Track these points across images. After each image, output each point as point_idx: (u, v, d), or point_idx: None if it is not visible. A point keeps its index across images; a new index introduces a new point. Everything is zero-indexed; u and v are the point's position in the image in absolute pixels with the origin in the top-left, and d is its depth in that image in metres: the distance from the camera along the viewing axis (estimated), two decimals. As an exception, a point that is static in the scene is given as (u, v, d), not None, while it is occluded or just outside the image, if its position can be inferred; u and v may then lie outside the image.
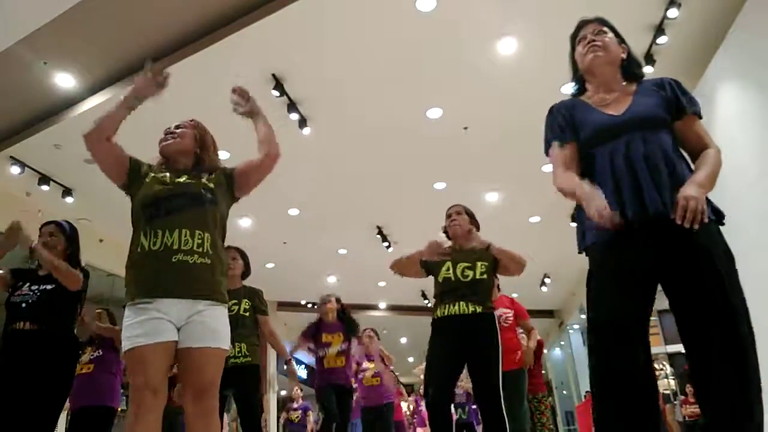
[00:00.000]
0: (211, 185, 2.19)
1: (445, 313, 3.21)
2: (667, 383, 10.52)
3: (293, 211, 8.37)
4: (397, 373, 6.59)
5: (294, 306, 12.88)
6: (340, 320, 4.87)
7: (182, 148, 2.31)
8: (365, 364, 5.29)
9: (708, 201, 1.73)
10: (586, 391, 11.28)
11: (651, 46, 5.21)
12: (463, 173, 7.24)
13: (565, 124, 1.94)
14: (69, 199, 7.03)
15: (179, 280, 1.97)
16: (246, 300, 3.75)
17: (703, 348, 1.64)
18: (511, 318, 4.34)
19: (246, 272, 3.99)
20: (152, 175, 2.22)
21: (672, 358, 11.28)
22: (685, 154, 1.85)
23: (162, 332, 1.92)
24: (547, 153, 2.00)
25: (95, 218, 7.38)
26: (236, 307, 3.71)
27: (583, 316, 11.85)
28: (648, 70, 5.40)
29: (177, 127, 2.39)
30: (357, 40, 5.07)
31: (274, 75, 5.36)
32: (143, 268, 2.01)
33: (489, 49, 5.14)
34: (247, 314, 3.71)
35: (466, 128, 6.30)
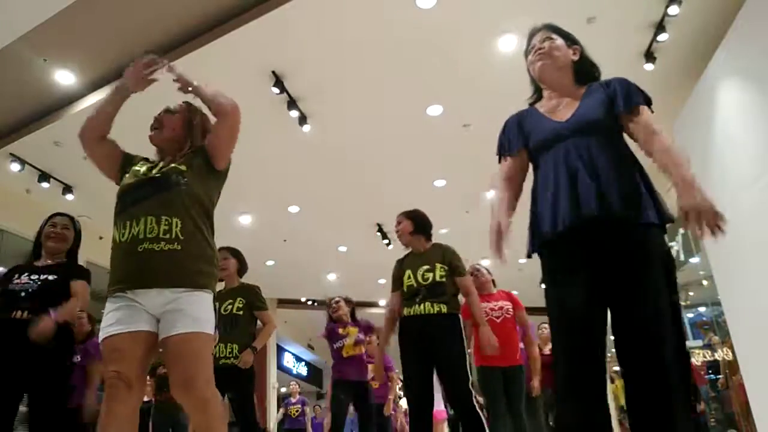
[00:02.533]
0: (182, 167, 2.08)
1: (411, 313, 3.30)
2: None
3: (293, 209, 8.37)
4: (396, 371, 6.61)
5: (294, 303, 12.89)
6: (354, 318, 4.88)
7: (167, 136, 2.26)
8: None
9: (656, 202, 1.73)
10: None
11: (652, 43, 5.20)
12: (463, 171, 7.24)
13: (511, 137, 1.98)
14: (69, 196, 7.03)
15: (147, 270, 1.88)
16: (240, 298, 3.72)
17: (629, 357, 1.64)
18: (512, 310, 4.32)
19: (242, 269, 3.95)
20: (133, 169, 2.18)
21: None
22: (640, 152, 1.83)
23: (135, 321, 1.86)
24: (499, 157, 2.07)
25: (95, 215, 7.36)
26: (230, 307, 3.70)
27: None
28: (649, 67, 5.40)
29: (167, 111, 2.34)
30: (357, 37, 5.06)
31: (273, 72, 5.35)
32: (115, 261, 1.97)
33: (489, 46, 5.13)
34: (241, 313, 3.68)
35: (466, 125, 6.29)
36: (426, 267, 3.36)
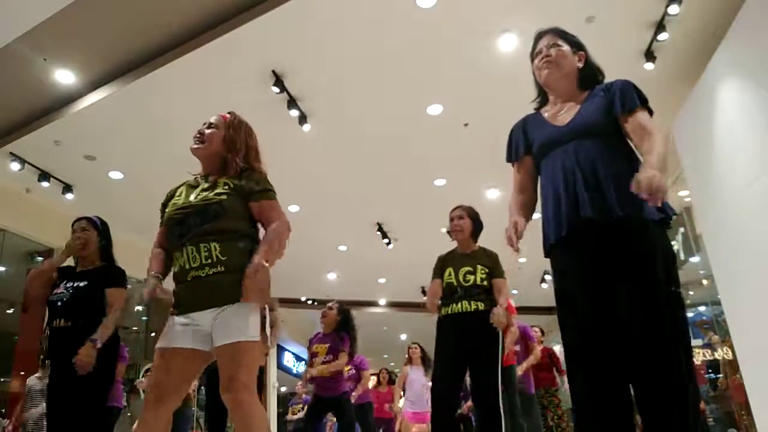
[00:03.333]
0: (223, 196, 2.15)
1: (448, 312, 3.32)
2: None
3: (293, 208, 8.37)
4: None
5: (294, 302, 12.88)
6: (335, 334, 4.79)
7: (206, 152, 2.28)
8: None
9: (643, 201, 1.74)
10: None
11: (652, 42, 5.20)
12: (463, 170, 7.24)
13: (517, 143, 2.04)
14: (69, 196, 7.02)
15: (200, 295, 2.05)
16: None
17: (636, 354, 1.64)
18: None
19: None
20: (172, 201, 2.26)
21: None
22: (638, 154, 1.85)
23: (181, 339, 2.03)
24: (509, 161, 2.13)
25: (96, 214, 7.37)
26: None
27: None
28: (649, 66, 5.40)
29: (209, 126, 2.32)
30: (357, 36, 5.06)
31: (274, 71, 5.35)
32: (175, 289, 2.13)
33: (489, 45, 5.13)
34: None
35: (466, 124, 6.29)
36: (468, 269, 3.38)
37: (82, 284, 3.05)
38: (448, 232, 3.61)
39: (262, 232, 2.27)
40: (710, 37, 5.02)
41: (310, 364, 4.73)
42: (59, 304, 3.00)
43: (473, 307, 3.27)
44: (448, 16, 4.81)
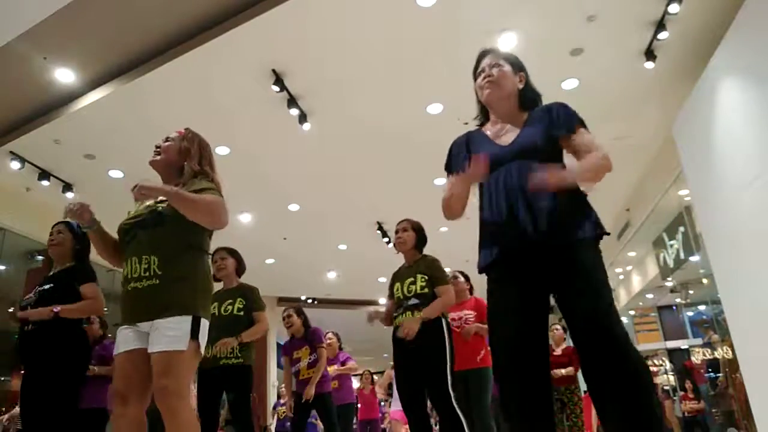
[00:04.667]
0: (163, 203, 2.22)
1: (396, 324, 3.47)
2: (666, 379, 10.54)
3: (293, 207, 8.37)
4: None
5: (294, 301, 12.89)
6: (305, 334, 4.91)
7: (164, 163, 2.41)
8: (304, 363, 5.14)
9: (588, 215, 1.83)
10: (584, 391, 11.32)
11: (652, 41, 5.19)
12: (463, 169, 7.24)
13: (459, 156, 2.08)
14: (69, 194, 7.02)
15: (136, 307, 2.14)
16: (240, 299, 3.76)
17: (588, 358, 1.72)
18: (472, 319, 4.38)
19: (240, 269, 3.97)
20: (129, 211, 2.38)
21: (671, 354, 11.30)
22: None
23: (131, 341, 2.14)
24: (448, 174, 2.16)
25: (96, 213, 7.37)
26: (231, 307, 3.74)
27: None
28: (649, 65, 5.40)
29: (166, 139, 2.47)
30: (357, 35, 5.06)
31: (274, 70, 5.35)
32: (120, 298, 2.23)
33: (489, 44, 5.08)
34: (242, 314, 3.71)
35: (466, 124, 6.27)
36: (410, 279, 3.51)
37: (47, 287, 3.10)
38: (395, 244, 3.74)
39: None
40: (710, 36, 5.02)
41: (290, 372, 4.85)
42: (28, 308, 3.04)
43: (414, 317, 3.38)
44: (448, 15, 4.81)
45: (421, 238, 3.69)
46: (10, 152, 6.27)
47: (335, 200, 8.14)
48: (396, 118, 6.23)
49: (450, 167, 2.12)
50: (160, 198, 2.22)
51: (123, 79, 5.33)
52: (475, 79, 2.12)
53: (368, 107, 6.05)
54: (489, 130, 2.07)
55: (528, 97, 2.07)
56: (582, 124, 1.93)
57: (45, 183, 6.76)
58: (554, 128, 1.92)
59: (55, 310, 2.95)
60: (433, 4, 4.67)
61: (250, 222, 8.68)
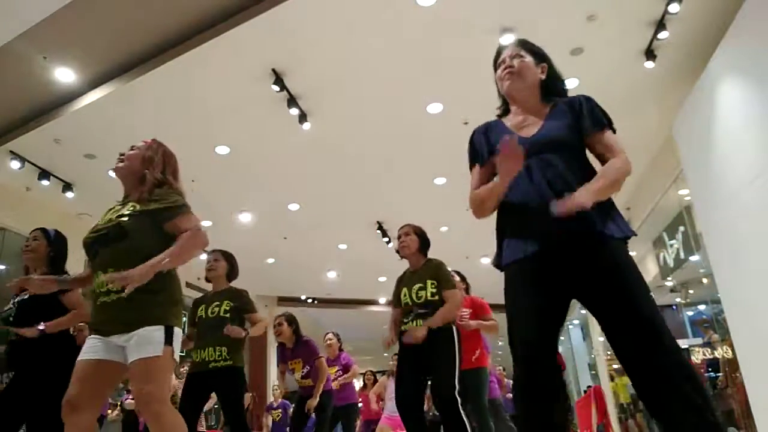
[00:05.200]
0: (125, 218, 2.23)
1: (406, 329, 3.44)
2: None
3: (293, 207, 8.37)
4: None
5: (294, 301, 12.90)
6: (296, 344, 4.96)
7: (127, 171, 2.41)
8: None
9: (615, 218, 1.78)
10: (588, 386, 11.32)
11: (652, 41, 5.19)
12: (463, 168, 7.18)
13: (479, 148, 2.01)
14: (69, 194, 7.03)
15: (107, 320, 2.16)
16: (228, 301, 3.74)
17: (632, 356, 1.65)
18: (468, 316, 4.38)
19: (231, 273, 3.95)
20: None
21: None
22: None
23: (96, 351, 2.15)
24: (472, 167, 2.09)
25: (96, 213, 7.37)
26: (217, 309, 3.72)
27: (584, 311, 11.86)
28: (649, 65, 5.40)
29: (131, 148, 2.47)
30: (357, 35, 5.06)
31: (274, 70, 5.35)
32: (91, 314, 2.27)
33: (490, 44, 5.10)
34: (228, 315, 3.68)
35: (466, 123, 6.29)
36: (419, 285, 3.50)
37: (26, 296, 3.07)
38: (397, 250, 3.74)
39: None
40: (710, 35, 5.02)
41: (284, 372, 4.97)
42: (10, 319, 3.04)
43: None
44: (449, 14, 4.81)
45: (424, 241, 3.70)
46: (10, 152, 6.27)
47: (335, 200, 8.14)
48: (396, 118, 6.23)
49: (475, 159, 2.03)
50: (123, 212, 2.25)
51: (123, 78, 5.33)
52: (496, 70, 2.08)
53: (368, 107, 6.05)
54: (510, 121, 2.01)
55: (552, 87, 2.01)
56: (610, 123, 1.88)
57: (45, 182, 6.76)
58: (581, 124, 1.87)
59: (40, 328, 2.92)
60: (433, 4, 4.67)
61: (250, 222, 8.68)
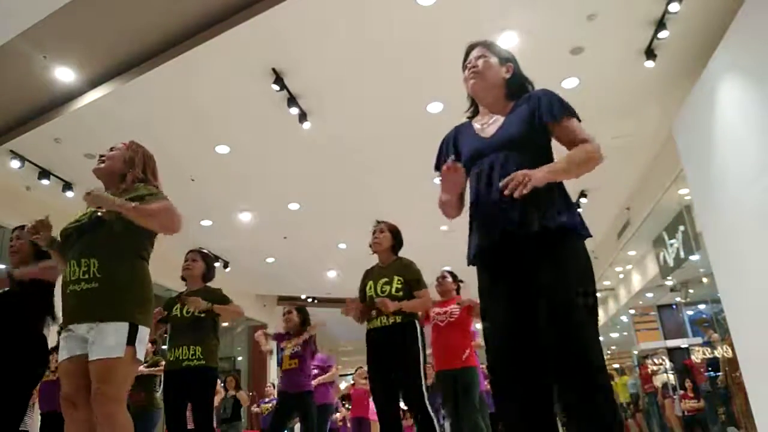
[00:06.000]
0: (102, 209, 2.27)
1: (370, 327, 3.51)
2: (666, 378, 10.54)
3: (293, 206, 8.37)
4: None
5: (294, 300, 12.90)
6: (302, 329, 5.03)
7: (108, 170, 2.47)
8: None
9: (573, 214, 1.79)
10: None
11: (652, 40, 5.19)
12: (463, 168, 7.24)
13: (447, 153, 2.07)
14: (69, 194, 7.03)
15: (74, 308, 2.18)
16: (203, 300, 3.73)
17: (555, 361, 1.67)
18: (458, 313, 4.38)
19: (207, 275, 3.95)
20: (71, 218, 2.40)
21: (671, 353, 11.30)
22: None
23: (72, 347, 2.19)
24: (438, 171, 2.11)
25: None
26: (192, 309, 3.71)
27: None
28: (649, 64, 5.39)
29: (111, 149, 2.53)
30: (357, 34, 5.05)
31: (274, 69, 5.34)
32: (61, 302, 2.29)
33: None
34: (203, 315, 3.68)
35: (466, 123, 6.29)
36: (385, 280, 3.54)
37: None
38: (370, 245, 3.77)
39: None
40: (711, 35, 5.01)
41: (279, 361, 4.99)
42: None
43: (391, 321, 3.42)
44: (449, 13, 4.81)
45: (397, 240, 3.74)
46: (10, 151, 6.27)
47: (335, 199, 8.14)
48: (396, 117, 6.23)
49: (438, 165, 2.09)
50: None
51: (123, 77, 5.32)
52: (463, 71, 2.14)
53: (368, 107, 6.05)
54: (477, 122, 2.06)
55: (516, 86, 2.03)
56: (569, 113, 1.87)
57: (45, 182, 6.76)
58: (535, 116, 1.87)
59: (9, 271, 2.91)
60: (433, 3, 4.66)
61: (250, 221, 8.68)
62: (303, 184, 7.68)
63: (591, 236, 1.80)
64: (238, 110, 5.91)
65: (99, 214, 2.24)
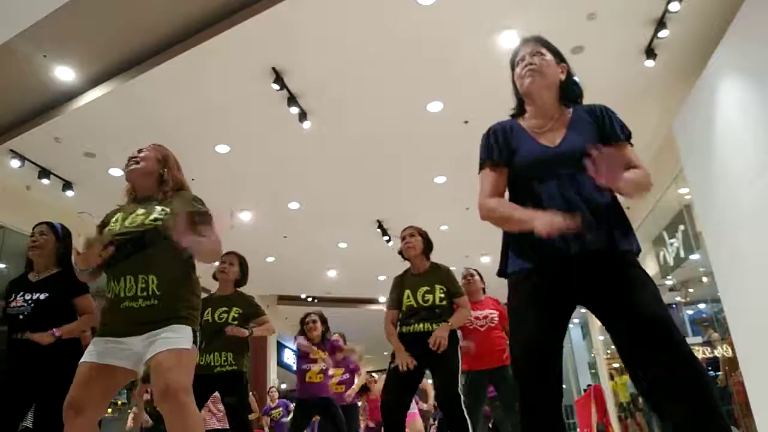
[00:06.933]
0: (159, 222, 2.19)
1: (410, 330, 3.45)
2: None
3: (293, 205, 8.37)
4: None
5: (294, 300, 12.91)
6: (322, 342, 4.94)
7: (144, 171, 2.37)
8: (331, 371, 5.25)
9: (631, 234, 1.78)
10: (588, 385, 11.32)
11: (652, 39, 5.19)
12: (463, 167, 7.21)
13: (498, 147, 1.91)
14: (69, 193, 7.03)
15: (129, 324, 2.09)
16: (236, 308, 3.77)
17: (649, 360, 1.62)
18: (497, 319, 4.40)
19: (241, 280, 3.96)
20: (109, 226, 2.28)
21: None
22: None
23: (107, 357, 2.08)
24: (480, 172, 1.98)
25: (96, 212, 7.36)
26: (225, 315, 3.74)
27: (583, 311, 11.85)
28: (649, 64, 5.39)
29: (140, 151, 2.43)
30: (357, 33, 5.06)
31: (274, 68, 5.34)
32: (104, 311, 2.20)
33: (490, 42, 5.12)
34: (236, 323, 3.71)
35: (466, 122, 6.29)
36: (426, 288, 3.49)
37: (42, 296, 2.96)
38: (400, 252, 3.72)
39: None
40: (711, 34, 5.01)
41: (304, 370, 4.77)
42: (20, 317, 2.90)
43: (433, 327, 3.39)
44: (449, 13, 4.81)
45: (428, 243, 3.70)
46: (10, 150, 6.27)
47: (335, 198, 8.14)
48: (396, 117, 6.23)
49: (490, 155, 1.91)
50: (154, 215, 2.20)
51: (123, 77, 5.32)
52: (513, 68, 1.98)
53: (368, 106, 6.05)
54: (526, 123, 1.93)
55: (569, 90, 1.94)
56: (629, 136, 1.87)
57: (45, 181, 6.76)
58: (607, 134, 1.83)
59: (56, 334, 2.85)
60: (433, 3, 4.66)
61: (250, 220, 8.68)
62: (303, 184, 7.68)
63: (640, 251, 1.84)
64: (238, 109, 5.91)
65: (158, 227, 2.16)
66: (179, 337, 2.07)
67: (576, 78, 1.99)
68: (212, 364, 3.61)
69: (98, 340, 2.12)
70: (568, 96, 1.94)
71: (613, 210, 1.78)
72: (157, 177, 2.38)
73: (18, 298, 2.97)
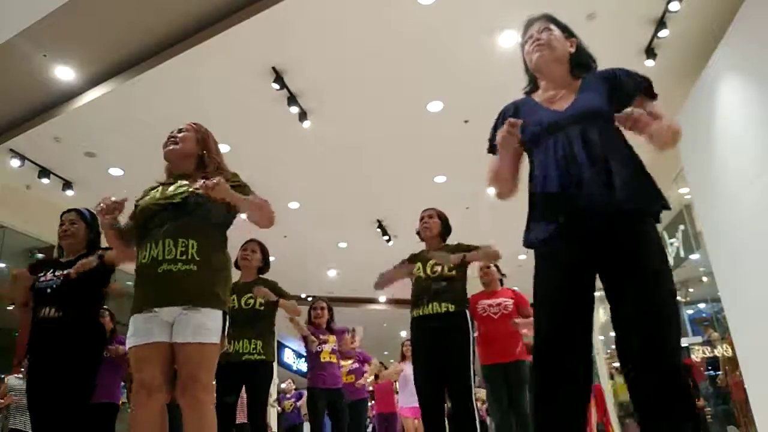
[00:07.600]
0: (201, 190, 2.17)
1: (419, 314, 3.38)
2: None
3: (293, 205, 8.37)
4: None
5: (294, 299, 12.88)
6: (328, 328, 5.05)
7: (183, 152, 2.36)
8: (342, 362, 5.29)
9: (657, 195, 1.71)
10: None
11: (652, 39, 5.19)
12: (463, 167, 7.22)
13: (503, 123, 1.89)
14: (69, 192, 7.03)
15: (166, 289, 2.06)
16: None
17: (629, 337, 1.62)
18: (511, 306, 4.35)
19: (264, 267, 3.96)
20: (149, 196, 2.28)
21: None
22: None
23: (151, 333, 2.04)
24: (490, 151, 2.02)
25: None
26: (252, 301, 3.71)
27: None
28: (649, 63, 5.39)
29: (180, 131, 2.43)
30: (357, 33, 5.05)
31: (274, 68, 5.34)
32: (137, 281, 2.15)
33: (489, 42, 5.12)
34: (263, 308, 3.69)
35: (467, 121, 6.29)
36: (435, 261, 3.44)
37: (73, 276, 2.94)
38: (417, 232, 3.69)
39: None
40: (711, 34, 5.01)
41: (317, 353, 4.85)
42: (48, 291, 2.90)
43: (443, 309, 3.30)
44: (449, 12, 4.81)
45: (446, 227, 3.67)
46: (10, 150, 6.27)
47: (335, 198, 8.13)
48: (396, 116, 6.23)
49: (494, 139, 1.92)
50: (195, 186, 2.16)
51: (123, 76, 5.32)
52: (523, 47, 2.01)
53: (368, 105, 6.05)
54: (539, 97, 1.94)
55: (581, 62, 1.95)
56: (651, 87, 1.83)
57: (45, 181, 6.76)
58: (622, 89, 1.81)
59: (98, 259, 2.88)
60: (433, 3, 4.66)
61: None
62: (303, 183, 7.68)
63: (669, 209, 1.77)
64: (238, 109, 5.91)
65: (198, 194, 2.13)
66: (210, 327, 2.05)
67: (589, 50, 2.02)
68: (241, 351, 3.56)
69: (137, 318, 2.09)
70: (580, 67, 1.95)
71: (630, 164, 1.71)
72: (195, 158, 2.37)
73: (48, 274, 3.00)
